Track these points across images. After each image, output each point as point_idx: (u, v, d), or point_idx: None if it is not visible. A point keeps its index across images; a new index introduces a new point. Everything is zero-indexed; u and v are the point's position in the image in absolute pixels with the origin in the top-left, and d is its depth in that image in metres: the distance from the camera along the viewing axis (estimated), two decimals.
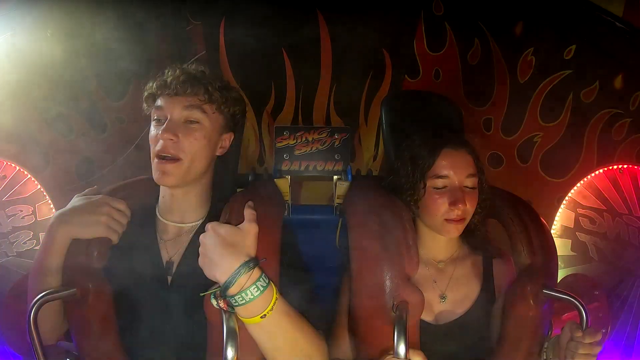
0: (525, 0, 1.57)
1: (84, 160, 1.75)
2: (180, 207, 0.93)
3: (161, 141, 0.86)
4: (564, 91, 1.53)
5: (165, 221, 0.94)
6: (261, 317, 0.73)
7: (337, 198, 1.59)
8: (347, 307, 0.91)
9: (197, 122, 0.89)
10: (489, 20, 1.72)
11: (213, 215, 0.91)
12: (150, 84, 0.91)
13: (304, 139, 1.66)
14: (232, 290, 0.72)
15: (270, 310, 0.73)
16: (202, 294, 0.77)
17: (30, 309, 0.81)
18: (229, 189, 1.09)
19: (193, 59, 0.94)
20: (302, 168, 1.67)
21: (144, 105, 0.93)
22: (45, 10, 1.42)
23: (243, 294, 0.71)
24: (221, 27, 1.93)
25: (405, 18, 1.95)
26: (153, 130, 0.89)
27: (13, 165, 1.51)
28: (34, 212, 1.51)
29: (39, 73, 1.53)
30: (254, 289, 0.72)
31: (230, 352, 0.71)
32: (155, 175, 0.87)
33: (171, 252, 0.92)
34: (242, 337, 0.74)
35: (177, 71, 0.90)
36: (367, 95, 2.13)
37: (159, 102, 0.89)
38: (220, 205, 0.89)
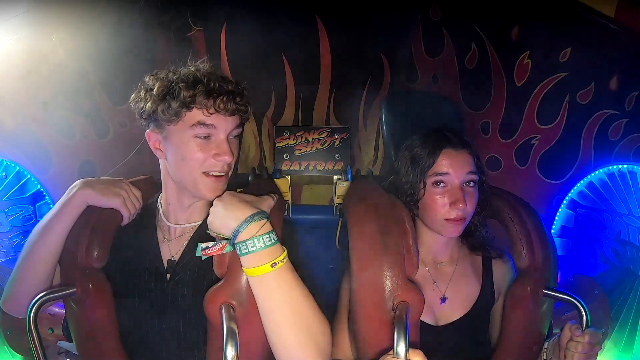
0: (521, 4, 1.60)
1: (86, 163, 1.75)
2: (188, 212, 0.93)
3: (216, 161, 0.84)
4: (561, 93, 1.54)
5: (169, 224, 0.94)
6: (272, 266, 0.72)
7: (337, 198, 1.59)
8: (347, 307, 0.91)
9: (238, 136, 0.92)
10: (486, 25, 1.75)
11: None
12: (184, 93, 0.80)
13: (304, 139, 1.66)
14: (243, 235, 0.72)
15: (281, 261, 0.73)
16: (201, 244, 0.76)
17: (30, 309, 0.82)
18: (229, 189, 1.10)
19: (194, 65, 0.93)
20: (302, 168, 1.68)
21: (161, 106, 0.83)
22: (51, 15, 1.44)
23: (255, 240, 0.72)
24: (222, 33, 1.96)
25: (403, 24, 1.98)
26: (197, 146, 0.83)
27: (13, 165, 1.52)
28: (34, 212, 1.51)
29: (43, 76, 1.55)
30: (266, 238, 0.73)
31: (230, 352, 0.71)
32: (203, 191, 0.85)
33: (173, 251, 0.92)
34: (242, 337, 0.73)
35: (216, 84, 0.82)
36: (366, 100, 2.15)
37: (208, 120, 0.83)
38: None
